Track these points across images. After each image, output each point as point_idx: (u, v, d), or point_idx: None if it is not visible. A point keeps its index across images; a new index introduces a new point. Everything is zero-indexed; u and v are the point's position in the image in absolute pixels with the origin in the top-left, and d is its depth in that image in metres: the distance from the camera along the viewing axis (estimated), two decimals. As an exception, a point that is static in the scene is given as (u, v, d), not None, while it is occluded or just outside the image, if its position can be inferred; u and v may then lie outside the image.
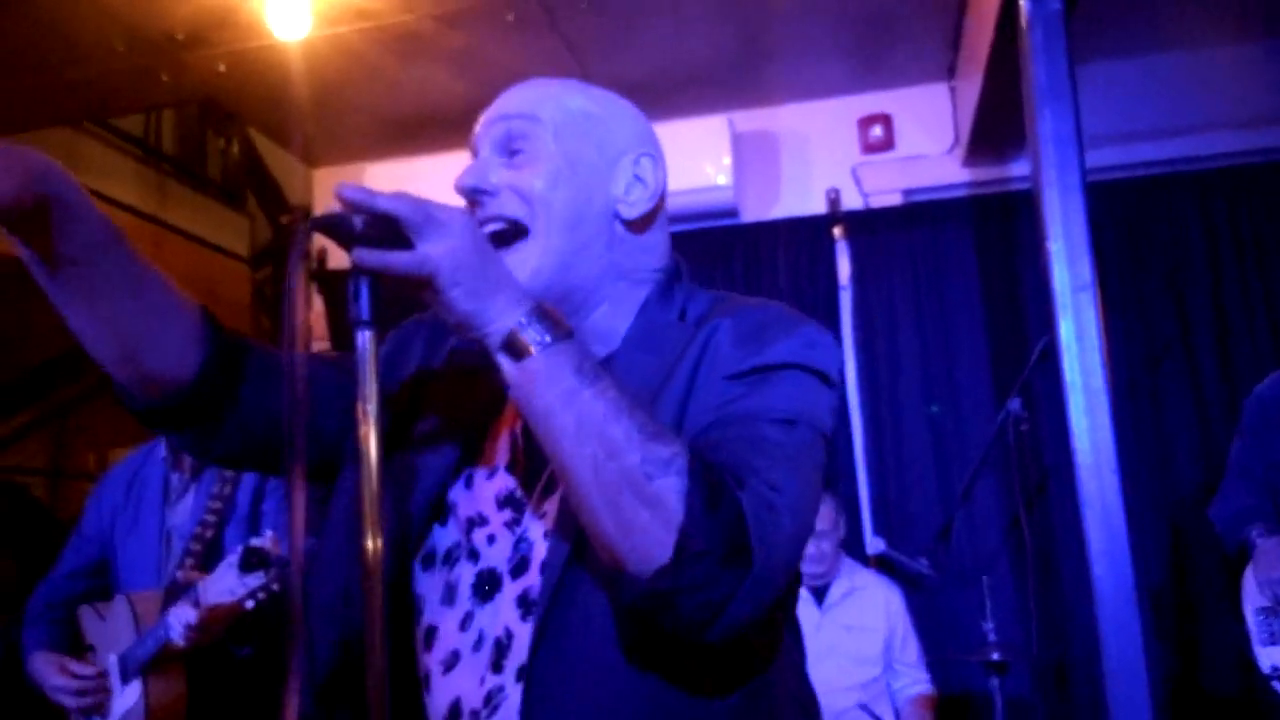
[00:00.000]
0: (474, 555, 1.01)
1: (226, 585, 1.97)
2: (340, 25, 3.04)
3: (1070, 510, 3.17)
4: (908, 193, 3.66)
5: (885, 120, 3.64)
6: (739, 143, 3.64)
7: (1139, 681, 2.11)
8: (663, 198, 1.09)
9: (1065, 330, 2.25)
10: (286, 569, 2.04)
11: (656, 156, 1.08)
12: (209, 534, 2.29)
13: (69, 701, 2.25)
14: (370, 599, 0.81)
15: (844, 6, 3.15)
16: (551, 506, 0.98)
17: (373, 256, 0.83)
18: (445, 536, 1.03)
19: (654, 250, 1.09)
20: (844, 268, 3.58)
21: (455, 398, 1.08)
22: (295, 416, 0.85)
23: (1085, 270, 2.26)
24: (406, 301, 0.91)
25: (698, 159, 3.51)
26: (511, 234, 1.01)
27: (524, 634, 0.94)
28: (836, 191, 3.64)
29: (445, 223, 0.84)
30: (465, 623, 0.99)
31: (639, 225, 1.07)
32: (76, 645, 2.36)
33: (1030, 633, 3.04)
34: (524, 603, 0.95)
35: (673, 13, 3.09)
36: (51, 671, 2.27)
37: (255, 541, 1.98)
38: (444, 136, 3.77)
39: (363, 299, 0.85)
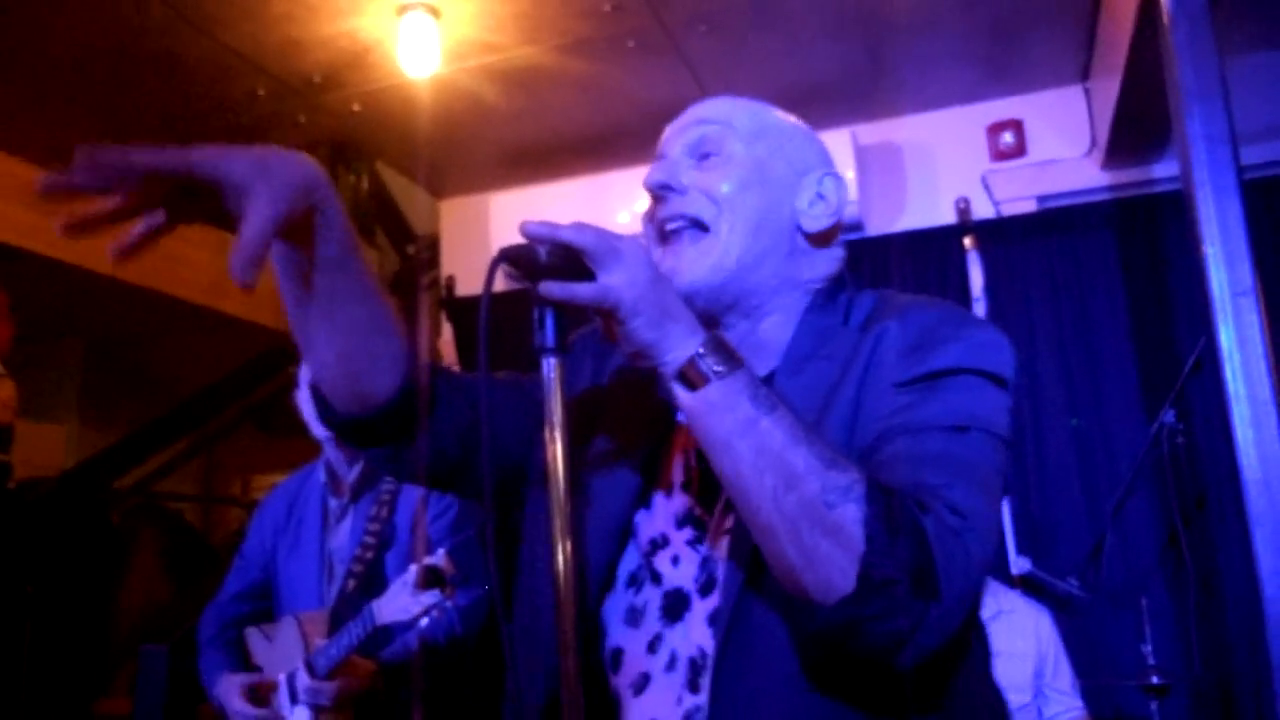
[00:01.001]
0: (657, 578, 1.01)
1: (401, 603, 2.02)
2: (467, 60, 3.13)
3: (1233, 527, 3.02)
4: (1042, 199, 3.54)
5: (1016, 126, 3.53)
6: (862, 156, 3.58)
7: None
8: (841, 219, 1.11)
9: (1225, 338, 2.13)
10: (465, 617, 2.08)
11: (839, 179, 1.10)
12: (369, 556, 2.34)
13: None
14: (563, 619, 0.83)
15: (969, 14, 3.07)
16: (732, 524, 0.97)
17: (559, 288, 0.86)
18: (628, 559, 1.05)
19: (828, 266, 1.10)
20: (976, 278, 3.47)
21: (627, 417, 1.10)
22: (485, 451, 0.88)
23: (1245, 274, 2.13)
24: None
25: (821, 174, 3.47)
26: (688, 228, 1.04)
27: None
28: (966, 201, 3.55)
29: (626, 254, 0.87)
30: (654, 644, 0.99)
31: (818, 240, 1.09)
32: (246, 667, 2.43)
33: (1191, 655, 2.89)
34: (716, 622, 0.95)
35: (792, 30, 3.07)
36: (235, 696, 2.33)
37: (430, 560, 2.02)
38: (568, 163, 3.85)
39: (548, 327, 0.88)
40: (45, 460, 4.69)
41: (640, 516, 1.05)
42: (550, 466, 0.86)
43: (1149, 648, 2.65)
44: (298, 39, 2.95)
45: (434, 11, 2.84)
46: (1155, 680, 2.59)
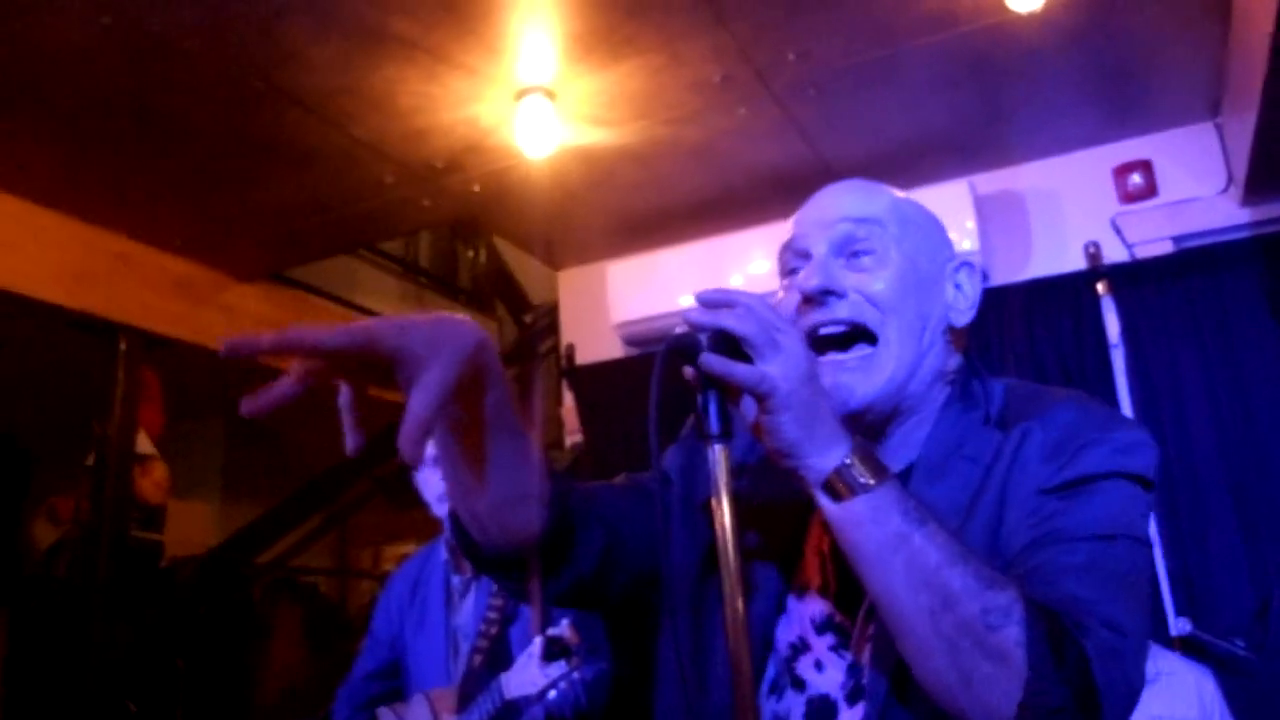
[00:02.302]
0: (799, 684, 0.99)
1: (529, 676, 2.03)
2: (582, 138, 3.20)
3: None
4: (1179, 239, 3.39)
5: (1145, 166, 3.41)
6: (982, 205, 3.51)
7: None
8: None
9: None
10: (591, 687, 2.08)
11: (971, 266, 1.08)
12: (493, 631, 2.36)
13: None
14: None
15: (1087, 55, 3.00)
16: (875, 630, 0.95)
17: (719, 363, 0.85)
18: (769, 666, 1.02)
19: (962, 359, 1.08)
20: (1112, 325, 3.33)
21: (760, 515, 1.08)
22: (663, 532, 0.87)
23: None
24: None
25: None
26: (850, 338, 1.01)
27: None
28: (1096, 245, 3.43)
29: (785, 347, 0.86)
30: None
31: (959, 333, 1.07)
32: None
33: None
34: None
35: (902, 85, 3.05)
36: None
37: (553, 631, 2.03)
38: (681, 228, 3.88)
39: (712, 413, 0.88)
40: (192, 537, 4.91)
41: (778, 622, 1.03)
42: (720, 546, 0.86)
43: (1330, 715, 2.44)
44: (422, 128, 3.08)
45: (550, 95, 2.93)
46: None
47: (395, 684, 2.54)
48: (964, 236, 3.41)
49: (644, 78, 2.89)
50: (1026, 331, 3.43)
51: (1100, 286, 3.38)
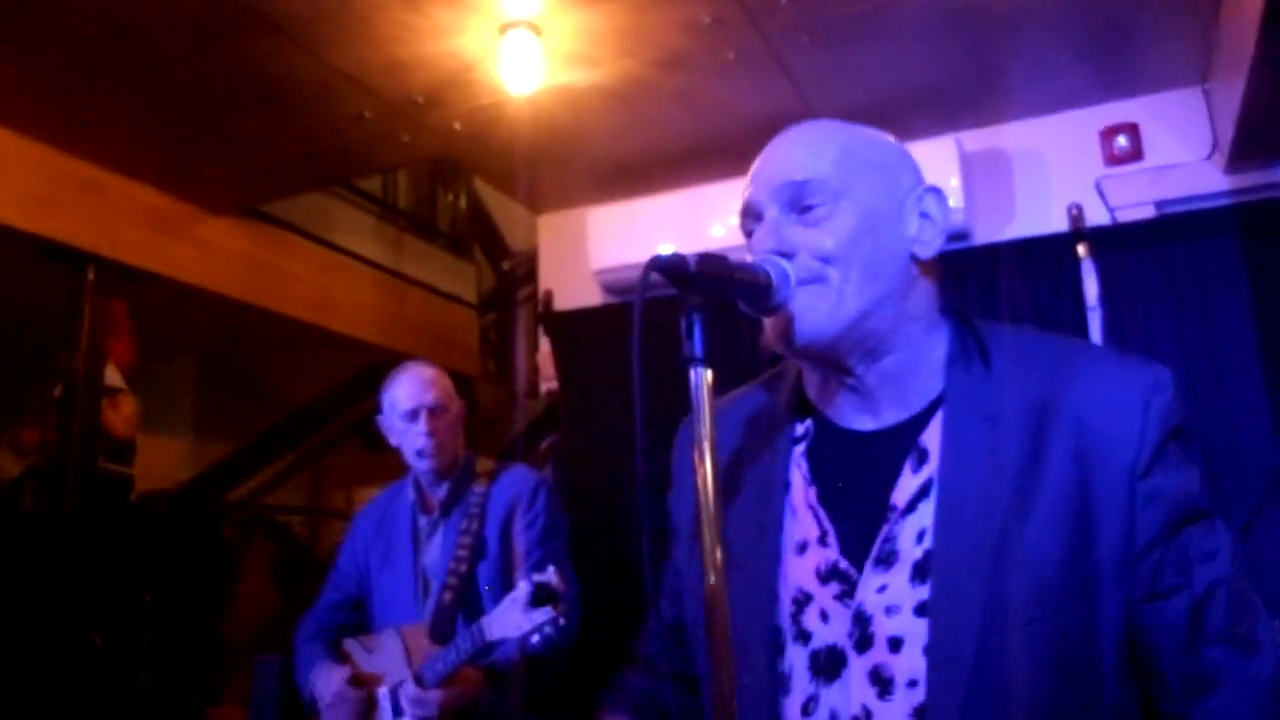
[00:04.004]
0: (804, 636, 0.99)
1: (513, 620, 2.04)
2: (566, 76, 3.14)
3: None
4: (1161, 204, 3.38)
5: (1131, 129, 3.39)
6: (967, 163, 3.49)
7: None
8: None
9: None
10: (571, 603, 2.10)
11: (938, 191, 1.05)
12: (462, 569, 2.38)
13: (333, 715, 2.36)
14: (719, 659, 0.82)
15: (1079, 15, 2.96)
16: (893, 580, 0.95)
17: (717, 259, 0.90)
18: (770, 621, 1.02)
19: (935, 288, 1.06)
20: (1091, 287, 3.34)
21: (748, 476, 1.09)
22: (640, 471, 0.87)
23: (1392, 280, 2.01)
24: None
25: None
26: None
27: (885, 713, 0.92)
28: (1079, 207, 3.42)
29: None
30: (809, 706, 0.96)
31: (929, 264, 1.04)
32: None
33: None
34: (878, 679, 0.93)
35: (895, 38, 3.01)
36: (322, 683, 2.39)
37: (540, 578, 2.03)
38: (665, 176, 3.84)
39: (696, 336, 0.88)
40: (163, 473, 4.88)
41: (777, 574, 1.03)
42: (699, 487, 0.85)
43: None
44: (402, 60, 3.01)
45: (535, 28, 2.86)
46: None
47: (358, 617, 2.57)
48: (949, 194, 3.38)
49: (632, 15, 2.83)
50: (1007, 291, 3.43)
51: (1081, 249, 3.38)
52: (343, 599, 2.60)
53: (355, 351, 4.86)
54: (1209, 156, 3.34)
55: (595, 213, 4.02)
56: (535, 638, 2.03)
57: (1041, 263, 3.39)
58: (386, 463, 2.57)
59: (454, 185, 5.65)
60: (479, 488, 2.47)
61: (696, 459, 0.86)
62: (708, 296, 0.91)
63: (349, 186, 4.96)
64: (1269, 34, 2.46)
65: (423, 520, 2.50)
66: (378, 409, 2.53)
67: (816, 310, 0.98)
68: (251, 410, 5.65)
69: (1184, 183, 3.37)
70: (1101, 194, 3.44)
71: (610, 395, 3.84)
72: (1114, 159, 3.42)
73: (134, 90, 3.11)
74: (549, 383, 4.25)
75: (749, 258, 1.02)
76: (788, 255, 1.00)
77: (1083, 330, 3.31)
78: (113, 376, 3.85)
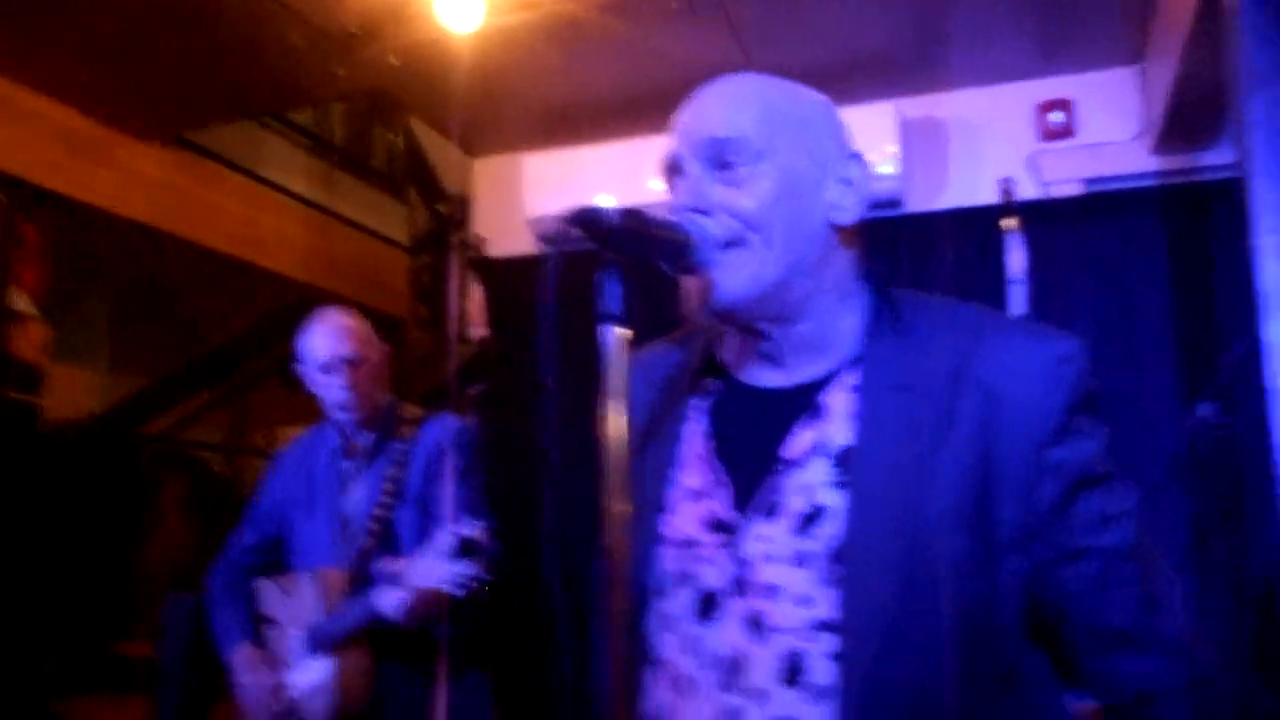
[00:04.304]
0: (687, 580, 1.01)
1: (434, 571, 2.02)
2: (507, 15, 3.07)
3: (1267, 524, 2.95)
4: (1090, 182, 3.44)
5: (1066, 106, 3.44)
6: (906, 130, 3.50)
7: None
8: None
9: (1273, 332, 2.07)
10: (494, 559, 2.09)
11: (860, 158, 1.05)
12: (385, 514, 2.36)
13: (250, 699, 2.35)
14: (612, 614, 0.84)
15: (1025, -13, 2.98)
16: (773, 531, 0.97)
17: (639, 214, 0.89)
18: (658, 566, 1.04)
19: (853, 256, 1.06)
20: (1016, 260, 3.40)
21: (644, 427, 1.10)
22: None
23: (1299, 268, 2.07)
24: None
25: (862, 147, 3.38)
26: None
27: (757, 656, 0.94)
28: (1010, 181, 3.47)
29: None
30: (688, 646, 0.99)
31: (849, 231, 1.05)
32: (257, 620, 2.46)
33: (1216, 655, 2.84)
34: (752, 624, 0.95)
35: (841, -2, 3.00)
36: (245, 668, 2.38)
37: (468, 531, 2.02)
38: (605, 126, 3.79)
39: (611, 293, 0.87)
40: (75, 404, 4.74)
41: (664, 522, 1.05)
42: (601, 444, 0.85)
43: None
44: (337, -13, 2.91)
45: (476, -37, 2.79)
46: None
47: (274, 558, 2.53)
48: (885, 160, 3.41)
49: (576, -42, 2.77)
50: (937, 260, 3.47)
51: (1011, 222, 3.42)
52: (259, 540, 2.56)
53: (282, 288, 4.76)
54: (1139, 137, 3.41)
55: (532, 159, 3.96)
56: (458, 591, 2.02)
57: (970, 235, 3.44)
58: (309, 403, 2.53)
59: (391, 123, 5.51)
60: (405, 434, 2.44)
61: (608, 414, 0.86)
62: (626, 253, 0.90)
63: (281, 119, 4.81)
64: (1204, 17, 2.49)
65: (346, 464, 2.46)
66: (294, 357, 2.47)
67: (737, 274, 0.98)
68: (171, 343, 5.50)
69: (1113, 162, 3.43)
70: (1033, 169, 3.49)
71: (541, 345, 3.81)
72: (1048, 134, 3.47)
73: (48, 5, 2.96)
74: (479, 330, 4.21)
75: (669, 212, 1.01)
76: (706, 214, 0.99)
77: (1003, 303, 3.37)
78: (21, 301, 3.71)
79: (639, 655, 1.01)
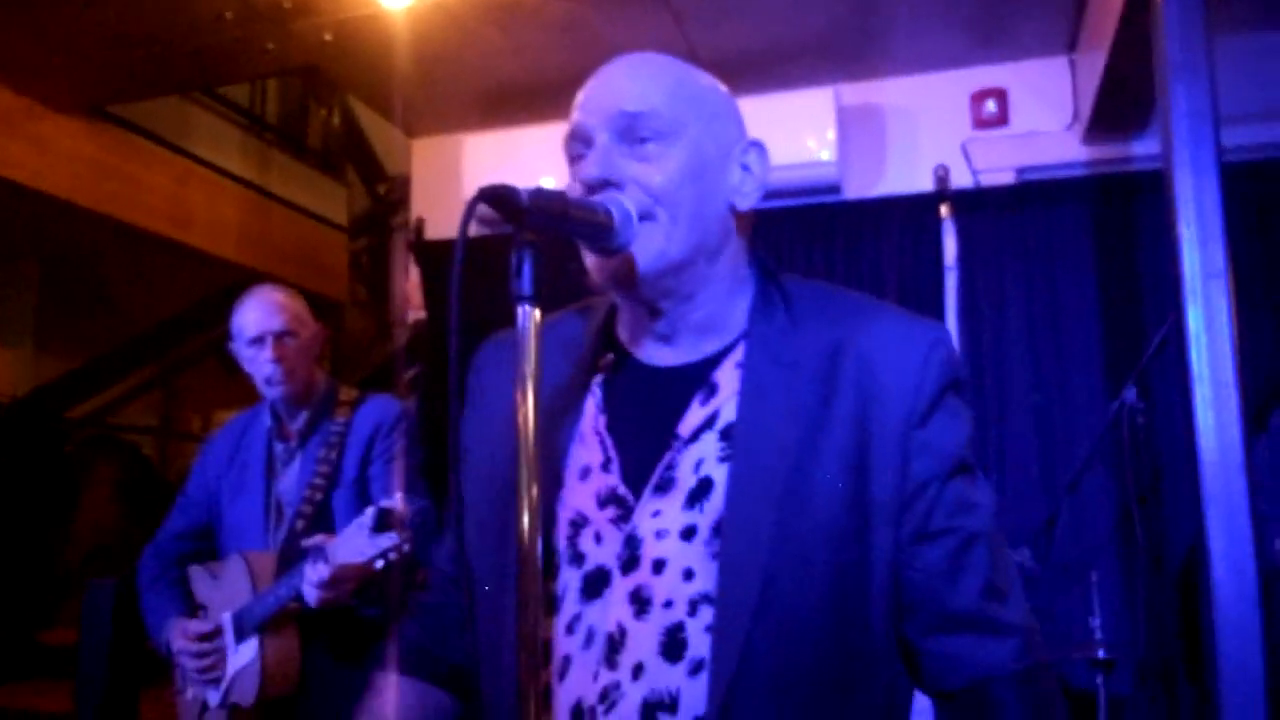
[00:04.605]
0: (578, 558, 1.01)
1: (357, 545, 2.00)
2: (444, -7, 3.03)
3: (1185, 507, 3.04)
4: (1021, 171, 3.50)
5: (1000, 95, 3.49)
6: (844, 116, 3.53)
7: (1255, 689, 2.00)
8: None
9: (1194, 319, 2.13)
10: (416, 530, 2.07)
11: (760, 146, 1.07)
12: (318, 497, 2.34)
13: (190, 664, 2.31)
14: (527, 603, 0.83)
15: (959, -24, 3.02)
16: (667, 506, 0.98)
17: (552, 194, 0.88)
18: (554, 544, 1.03)
19: (744, 242, 1.09)
20: (950, 248, 3.45)
21: (544, 409, 1.10)
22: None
23: (1218, 256, 2.13)
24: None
25: (801, 133, 3.42)
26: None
27: (639, 631, 0.94)
28: (945, 169, 3.51)
29: None
30: (572, 625, 0.99)
31: (743, 217, 1.06)
32: (189, 606, 2.43)
33: (1137, 631, 2.93)
34: (637, 599, 0.95)
35: (782, -17, 3.00)
36: (176, 636, 2.34)
37: (386, 503, 2.00)
38: (544, 107, 3.75)
39: (525, 273, 0.86)
40: (-3, 385, 4.60)
41: (559, 499, 1.04)
42: (520, 428, 0.84)
43: (1097, 621, 2.67)
44: (268, -40, 2.84)
45: (411, -61, 2.74)
46: (1102, 654, 2.61)
47: (205, 545, 2.49)
48: (823, 146, 3.43)
49: (514, -65, 2.74)
50: (873, 248, 3.51)
51: (943, 210, 3.47)
52: (190, 527, 2.52)
53: (216, 269, 4.66)
54: (1069, 127, 3.47)
55: (472, 140, 3.91)
56: (379, 563, 2.00)
57: (906, 222, 3.48)
58: (246, 386, 2.49)
59: (327, 101, 5.41)
60: (340, 417, 2.41)
61: (519, 397, 0.86)
62: (542, 233, 0.88)
63: (213, 94, 4.71)
64: (1132, 7, 2.54)
65: (279, 447, 2.44)
66: (228, 333, 2.44)
67: (649, 246, 0.99)
68: (100, 324, 5.36)
69: (1044, 151, 3.49)
70: (967, 156, 3.53)
71: (478, 329, 3.78)
72: (981, 122, 3.51)
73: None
74: (416, 312, 4.17)
75: (576, 186, 1.01)
76: (617, 186, 0.99)
77: (939, 289, 3.42)
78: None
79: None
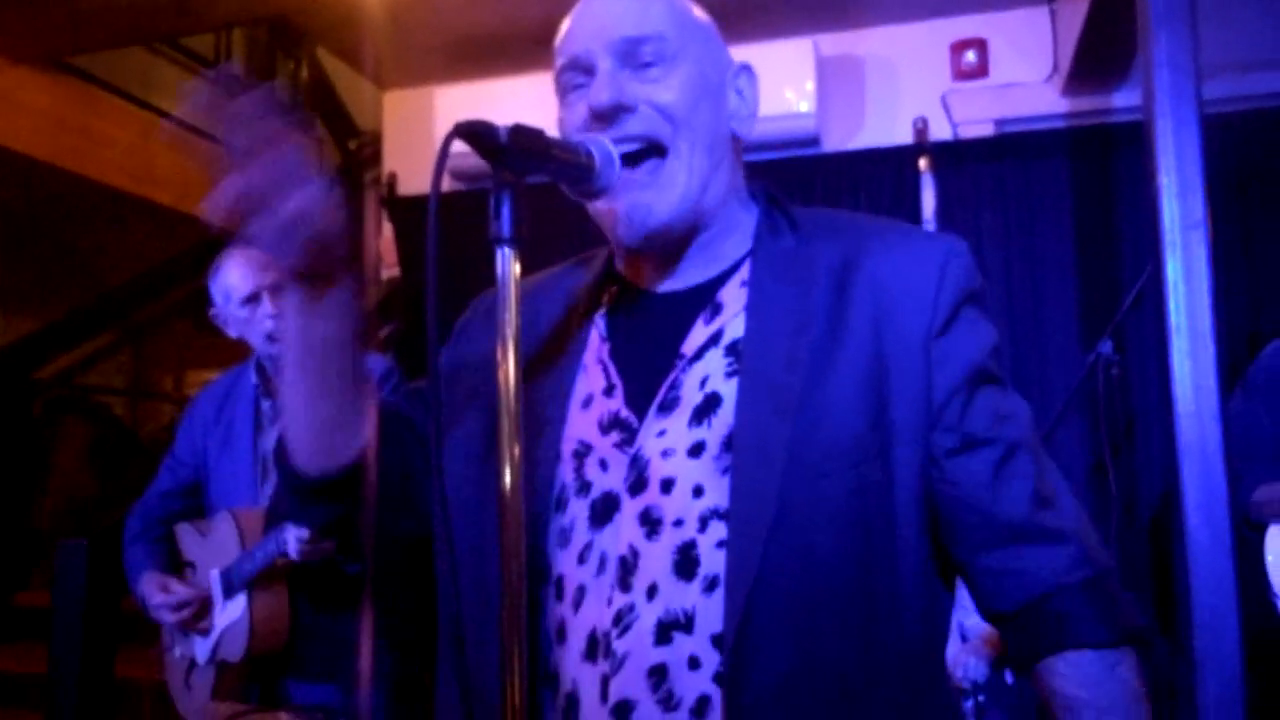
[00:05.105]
0: (585, 488, 0.98)
1: None
2: (414, -60, 2.95)
3: (1158, 458, 3.08)
4: (1000, 122, 3.48)
5: (980, 45, 3.45)
6: (823, 67, 3.48)
7: (1230, 640, 2.03)
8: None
9: (1172, 270, 2.13)
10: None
11: (750, 71, 1.07)
12: None
13: (167, 617, 2.31)
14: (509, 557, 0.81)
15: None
16: (672, 424, 0.96)
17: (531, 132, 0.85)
18: (557, 478, 1.01)
19: (742, 169, 1.08)
20: (929, 201, 3.43)
21: (541, 342, 1.08)
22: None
23: (1197, 207, 2.12)
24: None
25: (779, 84, 3.37)
26: (646, 153, 0.98)
27: (651, 551, 0.92)
28: (924, 121, 3.48)
29: None
30: (584, 554, 0.96)
31: (738, 144, 1.06)
32: (175, 563, 2.43)
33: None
34: (647, 520, 0.93)
35: (759, -72, 2.94)
36: (154, 590, 2.33)
37: None
38: (520, 57, 3.67)
39: (504, 215, 0.83)
40: (-39, 345, 4.51)
41: (562, 436, 1.02)
42: (500, 384, 0.82)
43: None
44: (231, -96, 2.75)
45: (379, -118, 2.66)
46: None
47: (195, 503, 2.48)
48: (802, 98, 3.39)
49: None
50: (851, 201, 3.48)
51: (922, 162, 3.45)
52: (177, 486, 2.50)
53: (183, 226, 4.56)
54: (1049, 78, 3.45)
55: (445, 92, 3.84)
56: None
57: (884, 174, 3.45)
58: (219, 344, 2.45)
59: (295, 53, 5.29)
60: None
61: (499, 353, 0.82)
62: (521, 173, 0.85)
63: (176, 45, 4.58)
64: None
65: (266, 404, 2.41)
66: (208, 302, 2.38)
67: (664, 192, 0.97)
68: (66, 283, 5.26)
69: (1023, 102, 3.47)
70: (946, 108, 3.51)
71: (455, 285, 3.73)
72: (961, 74, 3.48)
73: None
74: (390, 269, 4.11)
75: (568, 126, 1.00)
76: (629, 109, 0.97)
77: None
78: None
79: (533, 584, 0.96)
